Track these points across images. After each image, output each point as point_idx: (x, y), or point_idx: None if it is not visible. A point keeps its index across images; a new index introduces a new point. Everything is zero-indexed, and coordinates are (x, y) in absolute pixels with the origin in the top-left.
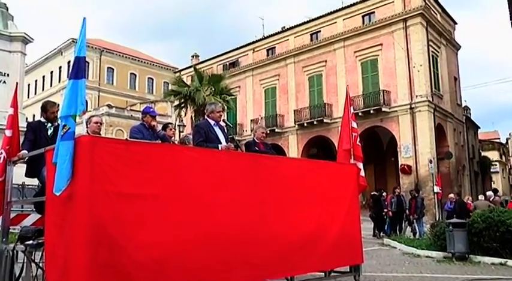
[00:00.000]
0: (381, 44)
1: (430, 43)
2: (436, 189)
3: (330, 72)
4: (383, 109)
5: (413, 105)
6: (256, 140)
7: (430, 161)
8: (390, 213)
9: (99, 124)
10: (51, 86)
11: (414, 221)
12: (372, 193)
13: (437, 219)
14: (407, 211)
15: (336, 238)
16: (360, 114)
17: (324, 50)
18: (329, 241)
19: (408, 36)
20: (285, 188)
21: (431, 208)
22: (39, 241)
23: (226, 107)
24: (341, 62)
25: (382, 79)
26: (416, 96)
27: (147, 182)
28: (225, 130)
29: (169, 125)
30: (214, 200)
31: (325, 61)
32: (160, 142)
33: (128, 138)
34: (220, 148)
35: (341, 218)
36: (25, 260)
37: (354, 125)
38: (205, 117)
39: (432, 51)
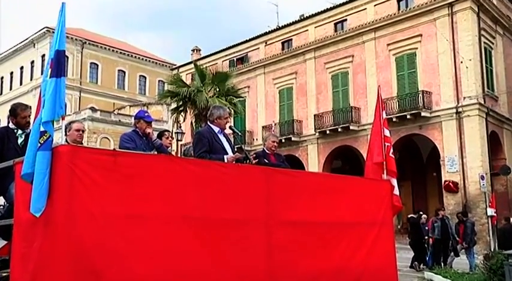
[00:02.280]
0: (420, 35)
1: (483, 33)
2: (490, 211)
3: (357, 70)
4: (422, 114)
5: (460, 109)
6: (267, 151)
7: (482, 177)
8: (432, 240)
9: (81, 132)
10: (21, 84)
11: (463, 250)
12: (410, 216)
13: (492, 249)
14: (453, 238)
15: (365, 272)
16: (394, 120)
17: (351, 42)
18: (356, 275)
19: (454, 24)
20: (303, 210)
21: (483, 234)
22: (3, 275)
23: (233, 111)
24: (371, 57)
25: (421, 77)
26: (464, 98)
27: (140, 201)
28: (231, 139)
29: (166, 132)
30: (218, 223)
31: (352, 56)
32: (156, 152)
33: (117, 148)
34: (226, 160)
35: (371, 247)
36: None
37: (387, 133)
38: (208, 123)
39: (485, 43)
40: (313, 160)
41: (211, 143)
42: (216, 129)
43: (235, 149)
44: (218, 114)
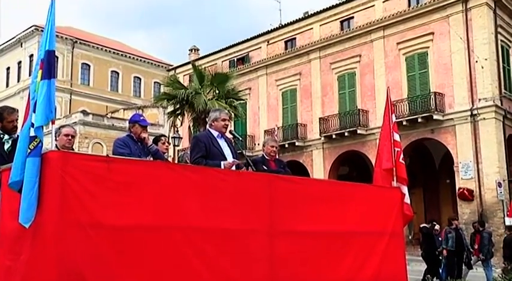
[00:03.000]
0: (432, 33)
1: (500, 30)
2: (508, 221)
3: (365, 70)
4: (435, 117)
5: (475, 112)
6: (266, 157)
7: (499, 185)
8: (446, 252)
9: (70, 137)
10: (7, 86)
11: (480, 263)
12: (422, 226)
13: None
14: (468, 250)
15: None
16: (404, 123)
17: (358, 41)
18: None
19: (469, 21)
20: (308, 219)
21: (501, 246)
22: None
23: (233, 115)
24: (380, 56)
25: (433, 78)
26: (480, 100)
27: (134, 211)
28: (232, 144)
29: (162, 137)
30: (218, 234)
31: (360, 56)
32: (152, 159)
33: (110, 155)
34: (222, 166)
35: (381, 259)
36: None
37: (397, 137)
38: (207, 127)
39: (502, 41)
40: (318, 166)
41: (208, 148)
42: (215, 133)
43: (237, 155)
44: (214, 117)
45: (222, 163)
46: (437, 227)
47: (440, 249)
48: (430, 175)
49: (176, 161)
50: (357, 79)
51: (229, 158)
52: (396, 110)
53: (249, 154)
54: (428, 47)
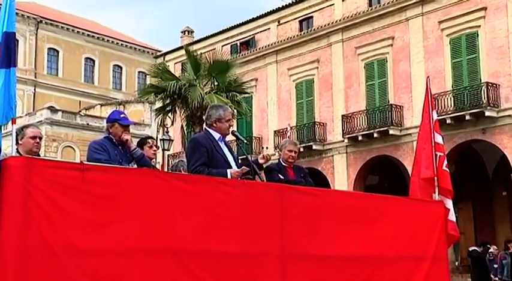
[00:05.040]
0: (484, 9)
1: None
2: None
3: (399, 56)
4: (487, 113)
5: None
6: (283, 163)
7: None
8: None
9: (37, 139)
10: None
11: None
12: (471, 249)
13: None
14: None
15: None
16: (448, 121)
17: (390, 20)
18: None
19: None
20: (329, 241)
21: None
22: None
23: (236, 112)
24: (417, 38)
25: (485, 65)
26: None
27: (115, 231)
28: (234, 148)
29: (149, 140)
30: (218, 259)
31: (392, 38)
32: (136, 166)
33: (85, 161)
34: (229, 175)
35: None
36: None
37: (439, 139)
38: (206, 127)
39: None
40: (341, 174)
41: (210, 154)
42: (217, 135)
43: (240, 161)
44: (218, 116)
45: (229, 171)
46: (492, 249)
47: (494, 278)
48: (482, 185)
49: (167, 170)
50: (388, 67)
51: (233, 166)
52: (438, 105)
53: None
54: (479, 26)
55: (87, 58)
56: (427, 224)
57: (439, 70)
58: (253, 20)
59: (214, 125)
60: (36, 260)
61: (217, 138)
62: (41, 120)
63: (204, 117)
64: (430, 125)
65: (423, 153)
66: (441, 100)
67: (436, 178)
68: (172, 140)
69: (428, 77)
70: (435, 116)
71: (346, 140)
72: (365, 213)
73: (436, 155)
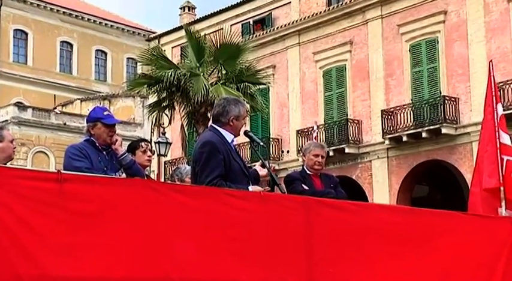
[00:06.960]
0: None
1: None
2: None
3: (453, 35)
4: None
5: None
6: (308, 171)
7: None
8: None
9: (14, 144)
10: None
11: None
12: None
13: None
14: None
15: None
16: None
17: None
18: None
19: None
20: (368, 267)
21: None
22: None
23: (249, 108)
24: (477, 13)
25: None
26: None
27: (101, 256)
28: (240, 150)
29: (142, 144)
30: None
31: (445, 13)
32: (125, 175)
33: (62, 170)
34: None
35: None
36: None
37: (506, 139)
38: (215, 126)
39: None
40: (381, 184)
41: (227, 163)
42: (230, 137)
43: (251, 169)
44: (236, 113)
45: (251, 188)
46: None
47: None
48: None
49: (163, 179)
50: (440, 49)
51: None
52: (503, 96)
53: (275, 166)
54: None
55: (63, 42)
56: (492, 245)
57: (505, 52)
58: None
59: (231, 123)
60: None
61: (230, 141)
62: (7, 120)
63: (209, 115)
64: (494, 122)
65: (486, 157)
66: (508, 90)
67: (502, 188)
68: (170, 143)
69: (491, 61)
70: (501, 111)
71: (387, 142)
72: (414, 234)
73: (502, 159)
